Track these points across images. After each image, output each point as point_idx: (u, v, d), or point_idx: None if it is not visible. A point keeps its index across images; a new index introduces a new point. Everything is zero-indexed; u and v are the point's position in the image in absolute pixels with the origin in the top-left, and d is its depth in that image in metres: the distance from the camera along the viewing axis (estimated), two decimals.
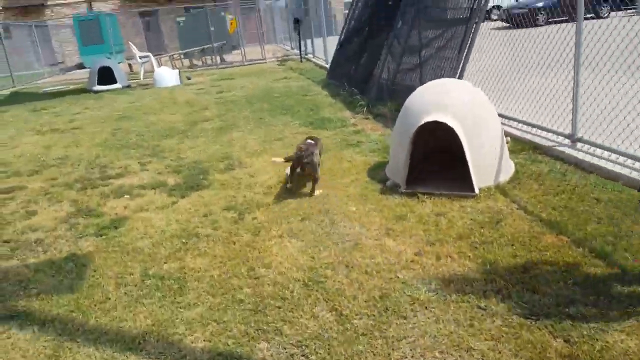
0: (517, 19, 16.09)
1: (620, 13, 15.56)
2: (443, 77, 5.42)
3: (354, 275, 2.85)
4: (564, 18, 16.19)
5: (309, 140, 4.42)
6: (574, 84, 4.11)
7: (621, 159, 3.83)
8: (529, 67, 5.49)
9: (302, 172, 4.09)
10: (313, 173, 4.04)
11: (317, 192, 4.06)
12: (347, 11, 26.22)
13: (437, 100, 3.73)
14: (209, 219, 3.88)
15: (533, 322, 2.30)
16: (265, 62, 17.08)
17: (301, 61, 15.79)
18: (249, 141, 6.21)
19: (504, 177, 3.86)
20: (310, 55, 16.41)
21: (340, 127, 6.37)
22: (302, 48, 16.23)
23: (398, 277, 2.79)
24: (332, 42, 13.99)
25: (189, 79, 13.95)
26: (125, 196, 4.62)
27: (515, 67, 5.66)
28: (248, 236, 3.51)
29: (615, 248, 2.81)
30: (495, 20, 19.52)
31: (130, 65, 18.28)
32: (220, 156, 5.63)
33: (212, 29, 17.56)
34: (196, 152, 5.93)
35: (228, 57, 19.16)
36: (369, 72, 7.74)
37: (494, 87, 5.56)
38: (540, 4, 16.52)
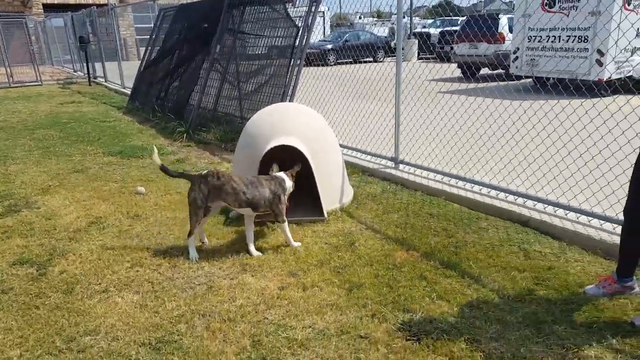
0: (310, 58, 17.68)
1: (389, 59, 18.55)
2: (267, 104, 5.30)
3: (215, 325, 2.35)
4: (349, 60, 18.32)
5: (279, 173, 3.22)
6: (395, 113, 4.45)
7: (438, 176, 4.27)
8: (345, 100, 5.82)
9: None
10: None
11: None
12: (138, 36, 24.61)
13: (283, 124, 3.53)
14: None
15: (416, 343, 2.22)
16: (42, 85, 14.53)
17: (89, 84, 13.95)
18: (36, 175, 4.95)
19: (346, 199, 3.87)
20: (101, 79, 14.66)
21: (158, 156, 5.61)
22: (91, 71, 14.39)
23: (267, 319, 2.41)
24: (126, 66, 12.81)
25: None
26: None
27: (340, 99, 5.95)
28: (57, 296, 2.64)
29: (460, 258, 3.00)
30: None
31: None
32: None
33: None
34: None
35: None
36: (186, 97, 7.17)
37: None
38: (329, 46, 18.38)
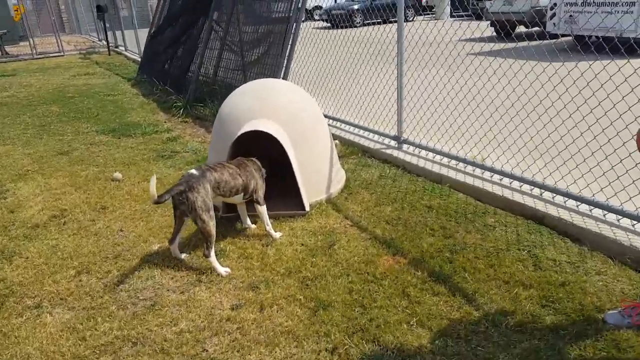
0: (336, 20, 16.74)
1: (420, 17, 17.36)
2: (267, 76, 4.81)
3: (142, 359, 1.99)
4: (378, 20, 17.28)
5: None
6: (397, 84, 3.85)
7: (445, 160, 3.70)
8: (354, 68, 5.24)
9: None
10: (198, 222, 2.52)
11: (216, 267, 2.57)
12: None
13: (259, 104, 3.04)
14: None
15: None
16: (63, 56, 14.46)
17: (109, 54, 13.76)
18: (20, 158, 4.72)
19: (336, 188, 3.39)
20: (121, 48, 14.44)
21: (151, 134, 5.29)
22: (111, 40, 14.16)
23: (206, 351, 2.03)
24: (146, 34, 12.46)
25: None
26: None
27: (340, 68, 5.37)
28: None
29: (454, 267, 2.50)
30: (317, 20, 20.16)
31: None
32: None
33: None
34: None
35: (13, 50, 15.79)
36: (186, 68, 6.74)
37: (319, 88, 5.19)
38: (356, 7, 17.34)
